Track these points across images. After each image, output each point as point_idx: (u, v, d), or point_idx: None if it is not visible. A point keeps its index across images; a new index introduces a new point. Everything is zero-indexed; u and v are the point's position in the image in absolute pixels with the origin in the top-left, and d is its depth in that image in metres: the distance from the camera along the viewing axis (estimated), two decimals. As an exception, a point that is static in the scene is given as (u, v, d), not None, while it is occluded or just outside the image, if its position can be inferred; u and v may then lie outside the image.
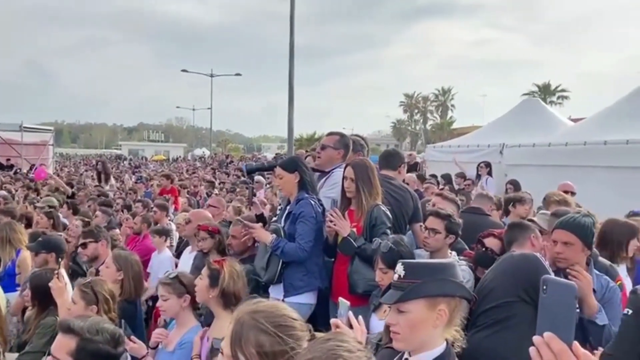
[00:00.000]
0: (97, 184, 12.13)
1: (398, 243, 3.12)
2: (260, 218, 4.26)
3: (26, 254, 4.81)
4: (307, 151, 7.51)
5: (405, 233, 4.01)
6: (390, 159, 4.39)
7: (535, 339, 1.08)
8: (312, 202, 3.69)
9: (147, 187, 13.73)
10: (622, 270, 3.52)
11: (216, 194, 11.09)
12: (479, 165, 10.63)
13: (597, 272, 3.09)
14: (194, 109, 61.77)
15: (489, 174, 10.43)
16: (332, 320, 1.89)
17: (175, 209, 9.02)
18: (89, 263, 4.51)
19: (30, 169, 17.44)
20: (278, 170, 3.81)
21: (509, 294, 2.79)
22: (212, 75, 43.34)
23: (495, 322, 2.78)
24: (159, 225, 6.17)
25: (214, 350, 2.53)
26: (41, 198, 8.56)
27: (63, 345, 2.16)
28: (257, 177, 10.71)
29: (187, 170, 23.77)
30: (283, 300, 3.46)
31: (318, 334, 1.59)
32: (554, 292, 1.10)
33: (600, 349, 2.49)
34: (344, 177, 3.74)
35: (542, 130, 11.82)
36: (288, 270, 3.65)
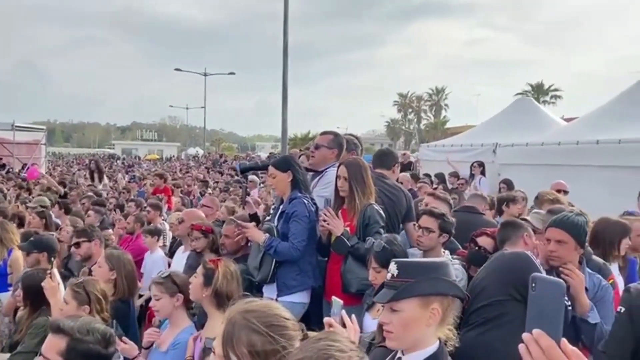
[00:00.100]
0: (90, 183, 12.09)
1: (391, 242, 3.12)
2: (253, 217, 4.25)
3: (18, 254, 4.79)
4: (301, 150, 7.50)
5: (399, 232, 4.01)
6: (384, 158, 4.40)
7: (524, 336, 1.09)
8: (305, 201, 3.68)
9: (140, 186, 13.67)
10: (614, 268, 3.54)
11: (210, 194, 11.08)
12: (472, 164, 10.66)
13: (590, 271, 3.12)
14: (187, 108, 61.37)
15: (482, 173, 10.47)
16: (326, 319, 1.89)
17: (169, 209, 8.98)
18: (82, 262, 4.49)
19: (23, 168, 17.37)
20: (271, 169, 3.79)
21: (500, 293, 2.80)
22: (205, 74, 43.22)
23: (487, 321, 2.79)
24: (151, 225, 6.13)
25: (206, 350, 2.53)
26: (33, 197, 8.52)
27: (53, 345, 2.15)
28: (251, 177, 10.71)
29: (181, 170, 23.75)
30: (276, 299, 3.45)
31: (311, 333, 1.59)
32: (543, 290, 1.11)
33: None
34: (337, 176, 3.73)
35: (535, 129, 11.87)
36: (281, 269, 3.64)
